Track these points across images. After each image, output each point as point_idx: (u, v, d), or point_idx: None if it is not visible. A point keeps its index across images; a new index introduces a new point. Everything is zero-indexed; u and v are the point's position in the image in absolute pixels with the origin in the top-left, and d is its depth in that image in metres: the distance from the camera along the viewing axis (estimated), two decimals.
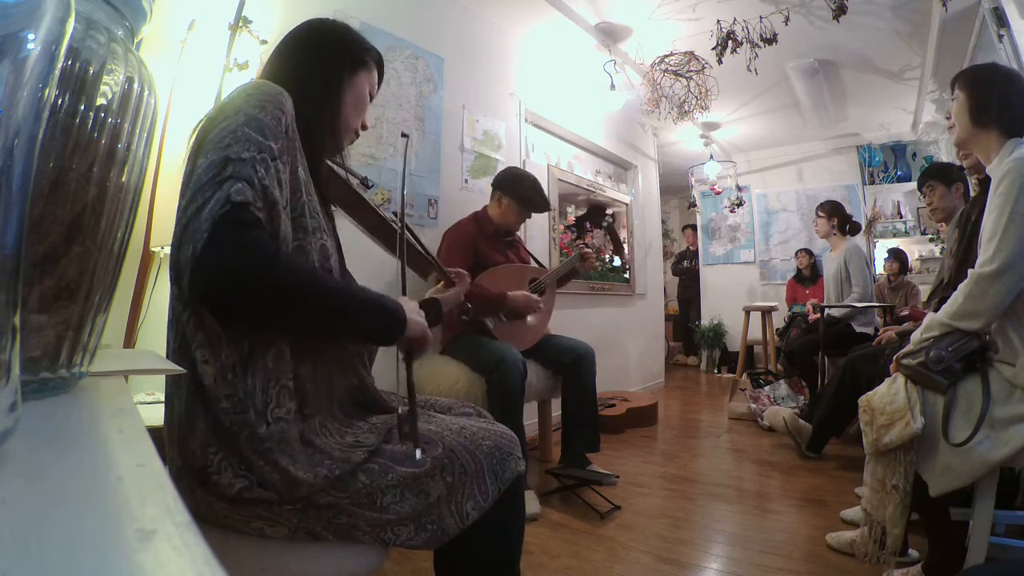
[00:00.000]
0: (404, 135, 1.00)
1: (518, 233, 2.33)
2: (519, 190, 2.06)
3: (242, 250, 0.57)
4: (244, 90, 0.70)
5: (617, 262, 4.06)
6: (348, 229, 0.96)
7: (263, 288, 0.58)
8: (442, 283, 1.11)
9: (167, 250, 0.71)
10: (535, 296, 2.03)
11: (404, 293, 0.84)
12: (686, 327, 6.20)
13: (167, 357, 0.67)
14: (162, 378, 1.08)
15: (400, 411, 0.77)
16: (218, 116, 0.65)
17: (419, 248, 1.02)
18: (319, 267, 0.72)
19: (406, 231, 0.94)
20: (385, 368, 2.05)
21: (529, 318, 2.07)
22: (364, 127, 0.89)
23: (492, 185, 2.14)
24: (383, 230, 0.98)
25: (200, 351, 0.64)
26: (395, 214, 1.01)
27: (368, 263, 1.79)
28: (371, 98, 0.89)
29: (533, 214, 2.23)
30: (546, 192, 3.23)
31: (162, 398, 0.96)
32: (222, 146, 0.61)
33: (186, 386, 0.65)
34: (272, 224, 0.63)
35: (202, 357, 0.64)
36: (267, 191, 0.62)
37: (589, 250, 2.15)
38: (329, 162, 0.88)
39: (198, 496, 0.64)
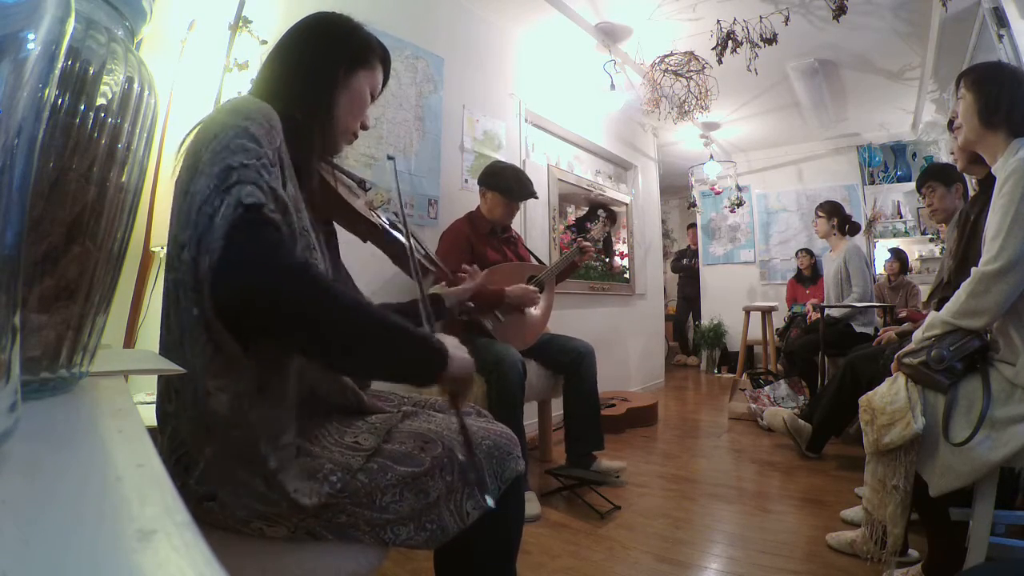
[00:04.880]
0: (390, 157, 0.97)
1: (517, 231, 2.33)
2: (500, 181, 2.06)
3: (267, 253, 0.53)
4: (229, 106, 0.67)
5: (618, 260, 4.06)
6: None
7: (293, 296, 0.53)
8: (443, 283, 1.10)
9: (167, 250, 0.69)
10: (532, 287, 2.03)
11: (423, 298, 0.82)
12: (683, 327, 6.20)
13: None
14: None
15: (462, 457, 0.70)
16: (206, 136, 0.62)
17: (419, 254, 1.00)
18: None
19: (408, 240, 0.91)
20: None
21: (532, 310, 2.06)
22: (364, 127, 0.86)
23: (478, 183, 2.15)
24: (376, 236, 0.94)
25: (215, 380, 0.60)
26: (396, 214, 1.00)
27: (369, 264, 1.80)
28: (374, 97, 0.86)
29: (526, 206, 2.22)
30: (546, 192, 3.25)
31: None
32: (218, 160, 0.58)
33: (188, 415, 0.62)
34: (289, 228, 0.61)
35: (217, 385, 0.60)
36: (276, 193, 0.59)
37: (588, 244, 2.15)
38: (325, 165, 0.86)
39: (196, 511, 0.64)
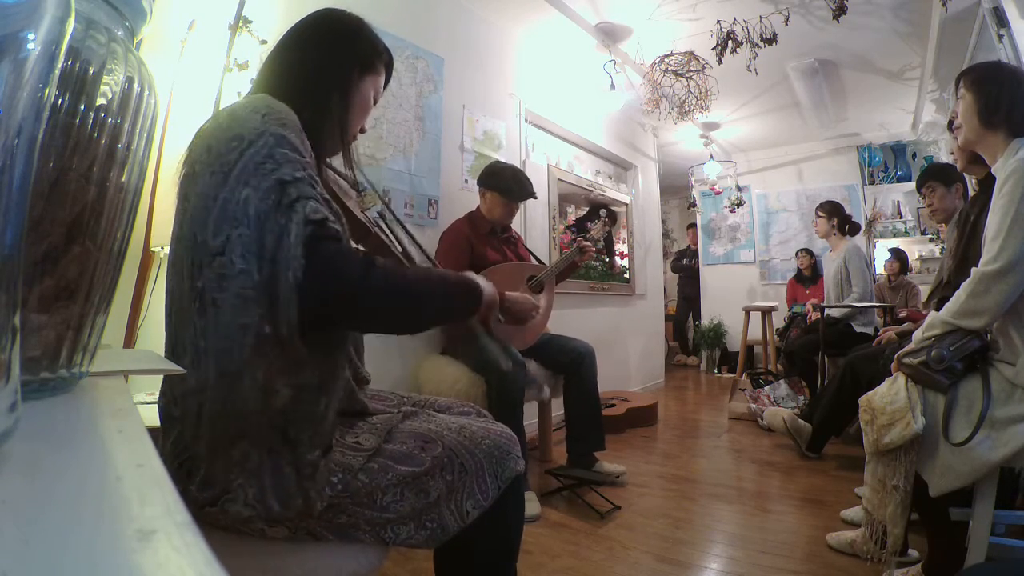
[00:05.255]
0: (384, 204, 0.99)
1: (517, 231, 2.33)
2: (499, 182, 2.06)
3: (340, 264, 0.58)
4: (254, 108, 0.65)
5: (618, 261, 4.06)
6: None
7: (371, 294, 0.61)
8: None
9: (167, 250, 0.69)
10: (532, 300, 2.04)
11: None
12: (683, 327, 6.20)
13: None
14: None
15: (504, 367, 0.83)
16: (230, 138, 0.61)
17: (417, 255, 1.00)
18: None
19: (389, 239, 0.92)
20: (385, 369, 2.07)
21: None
22: (363, 130, 0.86)
23: (477, 183, 2.15)
24: (370, 239, 0.92)
25: (280, 377, 0.62)
26: (381, 214, 0.99)
27: None
28: (375, 101, 0.86)
29: (526, 206, 2.23)
30: (546, 192, 3.25)
31: None
32: (266, 171, 0.58)
33: (210, 412, 0.61)
34: (345, 234, 0.65)
35: (284, 382, 0.62)
36: (330, 204, 0.63)
37: (588, 243, 2.15)
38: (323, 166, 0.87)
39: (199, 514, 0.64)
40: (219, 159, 0.60)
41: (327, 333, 0.67)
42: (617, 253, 4.12)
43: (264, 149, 0.60)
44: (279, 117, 0.64)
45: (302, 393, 0.63)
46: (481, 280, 0.78)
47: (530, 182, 2.13)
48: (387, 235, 0.94)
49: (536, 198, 2.24)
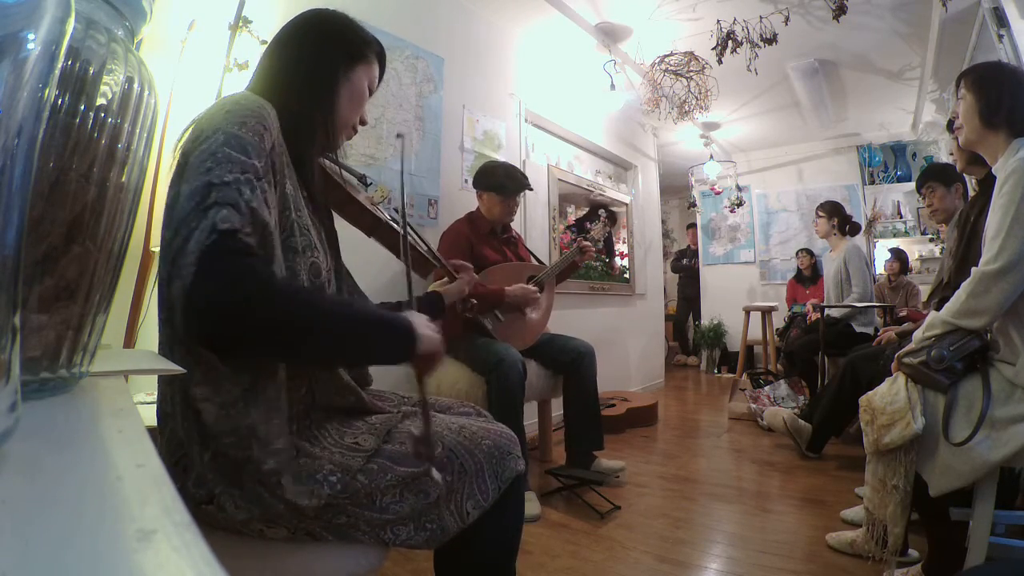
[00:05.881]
0: (399, 135, 0.98)
1: (517, 231, 2.33)
2: (492, 180, 2.07)
3: (234, 282, 0.53)
4: (223, 106, 0.66)
5: (618, 261, 4.06)
6: (351, 228, 0.96)
7: (261, 320, 0.54)
8: (445, 277, 1.10)
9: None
10: (532, 287, 2.04)
11: (411, 295, 0.82)
12: (683, 327, 6.20)
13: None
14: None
15: (414, 431, 0.70)
16: (198, 136, 0.61)
17: (420, 247, 1.01)
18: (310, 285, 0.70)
19: (407, 230, 0.93)
20: (385, 369, 2.06)
21: (530, 314, 2.07)
22: (363, 122, 0.86)
23: (473, 185, 2.15)
24: (380, 230, 0.95)
25: (198, 389, 0.61)
26: (396, 210, 1.00)
27: (371, 263, 1.80)
28: (371, 92, 0.86)
29: (525, 207, 2.23)
30: (546, 192, 3.25)
31: None
32: (203, 171, 0.57)
33: (182, 419, 0.63)
34: (265, 249, 0.61)
35: (201, 395, 0.61)
36: (255, 214, 0.58)
37: (588, 243, 2.15)
38: (325, 161, 0.87)
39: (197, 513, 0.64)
40: (185, 157, 0.61)
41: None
42: (617, 253, 4.12)
43: (211, 147, 0.59)
44: (241, 115, 0.63)
45: (227, 409, 0.61)
46: (422, 330, 0.68)
47: (524, 175, 2.13)
48: (402, 229, 0.95)
49: (531, 189, 2.25)
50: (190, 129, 0.66)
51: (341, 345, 0.63)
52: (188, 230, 0.54)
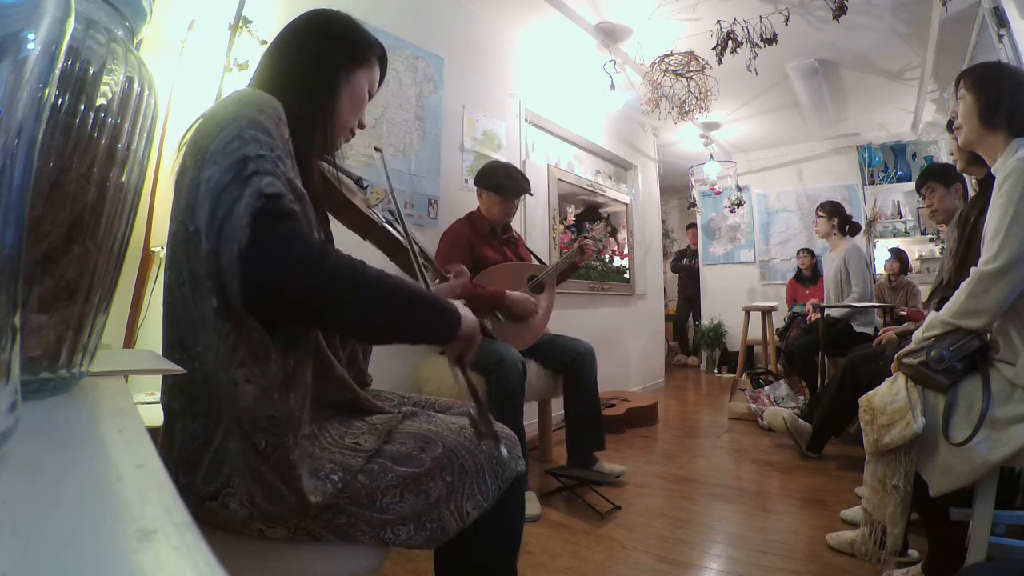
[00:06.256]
0: (377, 149, 0.98)
1: (517, 231, 2.33)
2: (492, 180, 2.07)
3: (290, 242, 0.54)
4: (237, 98, 0.67)
5: (618, 261, 4.06)
6: (349, 230, 0.96)
7: (319, 282, 0.55)
8: (438, 280, 1.10)
9: (168, 247, 0.69)
10: (532, 299, 2.04)
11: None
12: (683, 327, 6.20)
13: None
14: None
15: (472, 412, 0.74)
16: (212, 128, 0.61)
17: (413, 249, 1.01)
18: None
19: (406, 236, 0.93)
20: (385, 369, 2.06)
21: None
22: (361, 125, 0.86)
23: (474, 184, 2.16)
24: (376, 233, 0.95)
25: (241, 371, 0.60)
26: (392, 212, 1.00)
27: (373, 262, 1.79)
28: (371, 95, 0.86)
29: (525, 207, 2.23)
30: (546, 192, 3.25)
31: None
32: (231, 150, 0.57)
33: (204, 409, 0.62)
34: (306, 218, 0.61)
35: (244, 376, 0.60)
36: (293, 184, 0.59)
37: (589, 242, 2.15)
38: (323, 163, 0.87)
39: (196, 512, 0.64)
40: (202, 149, 0.61)
41: (288, 327, 0.64)
42: (618, 254, 4.11)
43: (235, 131, 0.59)
44: (257, 104, 0.64)
45: (268, 392, 0.61)
46: (463, 311, 0.71)
47: (525, 178, 2.13)
48: (399, 232, 0.95)
49: (531, 194, 2.24)
50: (199, 123, 0.66)
51: (391, 313, 0.64)
52: (232, 199, 0.54)
